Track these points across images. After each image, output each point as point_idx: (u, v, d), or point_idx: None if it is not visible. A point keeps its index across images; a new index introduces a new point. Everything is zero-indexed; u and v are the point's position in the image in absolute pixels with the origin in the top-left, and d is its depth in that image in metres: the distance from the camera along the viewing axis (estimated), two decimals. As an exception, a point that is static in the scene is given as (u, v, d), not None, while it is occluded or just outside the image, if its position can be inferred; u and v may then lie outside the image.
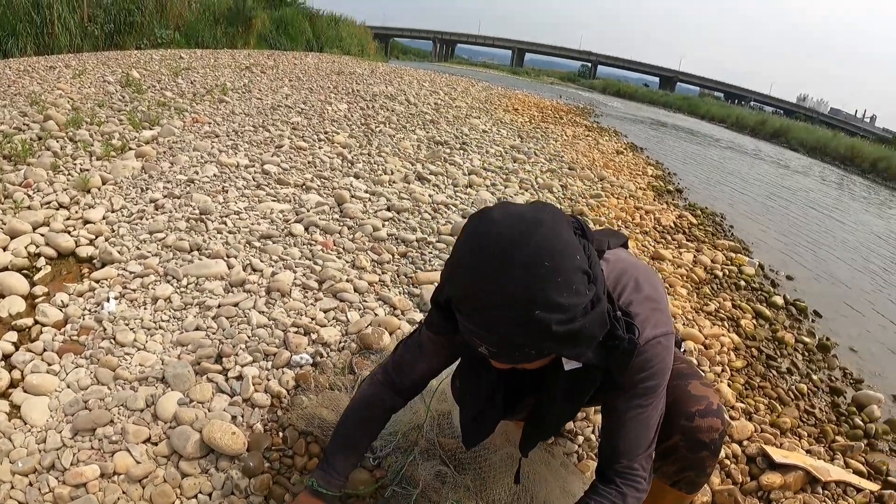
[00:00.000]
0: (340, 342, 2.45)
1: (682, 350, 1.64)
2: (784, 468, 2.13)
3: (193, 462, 1.77)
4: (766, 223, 6.90)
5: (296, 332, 2.45)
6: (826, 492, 2.11)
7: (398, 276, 3.10)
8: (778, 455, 2.17)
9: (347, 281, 2.92)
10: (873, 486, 2.19)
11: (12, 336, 2.30)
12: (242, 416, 1.98)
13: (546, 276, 0.94)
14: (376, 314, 2.68)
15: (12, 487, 1.65)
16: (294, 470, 1.81)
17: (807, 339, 3.56)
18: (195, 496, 1.70)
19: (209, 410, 1.98)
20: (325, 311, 2.66)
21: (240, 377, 2.15)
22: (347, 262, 3.17)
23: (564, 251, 0.97)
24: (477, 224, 1.02)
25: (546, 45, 79.40)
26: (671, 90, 59.08)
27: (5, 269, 2.77)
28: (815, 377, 3.12)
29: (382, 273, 3.11)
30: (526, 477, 1.67)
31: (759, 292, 4.14)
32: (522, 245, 0.95)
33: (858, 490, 2.16)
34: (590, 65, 75.43)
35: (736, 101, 61.93)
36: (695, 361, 2.82)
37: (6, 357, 2.18)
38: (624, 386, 1.24)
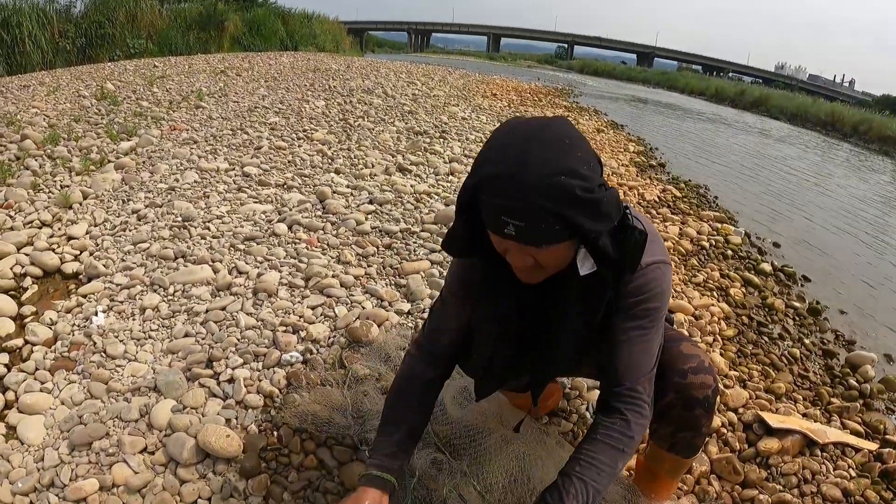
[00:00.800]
0: (329, 338, 2.44)
1: (671, 323, 1.65)
2: (781, 433, 2.12)
3: (191, 468, 1.77)
4: (750, 193, 6.92)
5: (284, 331, 2.44)
6: (825, 454, 2.12)
7: (384, 268, 3.09)
8: (774, 420, 2.17)
9: (333, 276, 2.91)
10: (871, 446, 2.19)
11: (3, 357, 2.29)
12: (236, 419, 1.98)
13: (567, 150, 1.06)
14: (364, 307, 2.68)
15: (13, 508, 1.64)
16: (291, 468, 1.81)
17: (797, 304, 3.57)
18: (195, 502, 1.70)
19: (203, 415, 1.98)
20: (312, 308, 2.65)
21: (231, 380, 2.14)
22: (332, 257, 3.16)
23: (579, 138, 1.10)
24: (503, 126, 1.14)
25: (521, 29, 79.25)
26: (649, 66, 59.00)
27: (-9, 291, 2.75)
28: (807, 341, 3.13)
29: (368, 266, 3.10)
30: (522, 458, 1.68)
31: (747, 261, 4.16)
32: (544, 129, 1.08)
33: (857, 450, 2.16)
34: (566, 46, 75.17)
35: (714, 72, 61.88)
36: (686, 332, 2.83)
37: (-1, 379, 2.17)
38: (627, 307, 1.28)
